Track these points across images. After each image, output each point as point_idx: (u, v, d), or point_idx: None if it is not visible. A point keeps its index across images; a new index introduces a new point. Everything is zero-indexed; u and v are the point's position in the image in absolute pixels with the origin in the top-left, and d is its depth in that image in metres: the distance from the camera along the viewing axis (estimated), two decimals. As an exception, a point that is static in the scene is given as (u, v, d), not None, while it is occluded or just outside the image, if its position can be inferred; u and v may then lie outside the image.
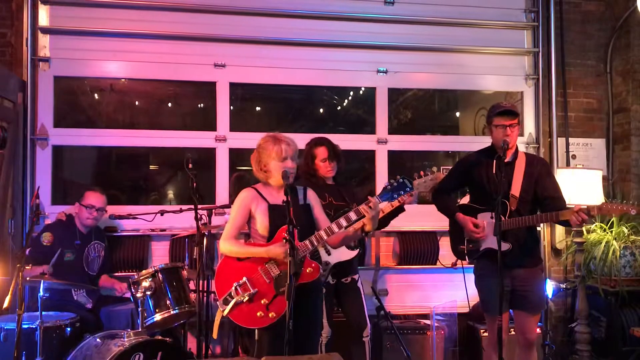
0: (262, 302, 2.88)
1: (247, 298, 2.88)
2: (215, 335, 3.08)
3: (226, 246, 2.97)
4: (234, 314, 2.90)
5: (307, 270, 2.91)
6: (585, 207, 3.23)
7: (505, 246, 3.25)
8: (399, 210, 3.82)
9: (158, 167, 5.81)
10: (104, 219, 4.32)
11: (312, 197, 3.17)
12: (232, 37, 4.79)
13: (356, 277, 3.90)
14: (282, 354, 2.71)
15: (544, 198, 3.41)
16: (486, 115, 3.59)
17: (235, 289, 2.90)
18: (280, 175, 2.92)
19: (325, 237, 2.93)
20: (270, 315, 2.86)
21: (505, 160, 3.37)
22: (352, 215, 2.91)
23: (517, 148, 3.54)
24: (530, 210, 3.40)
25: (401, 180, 2.92)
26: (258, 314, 2.87)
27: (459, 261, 3.77)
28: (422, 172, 3.29)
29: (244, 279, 2.91)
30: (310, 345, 2.99)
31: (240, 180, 4.66)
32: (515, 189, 3.42)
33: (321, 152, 3.81)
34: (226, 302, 2.90)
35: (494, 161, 3.43)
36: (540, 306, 3.54)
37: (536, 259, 3.52)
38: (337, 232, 2.93)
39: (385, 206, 3.76)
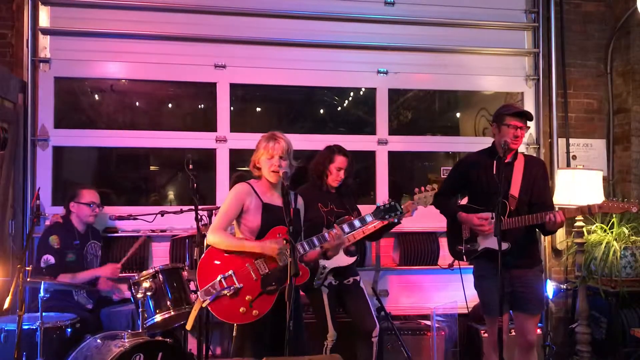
0: (247, 298, 2.86)
1: (231, 292, 2.85)
2: (189, 326, 3.03)
3: (215, 237, 2.94)
4: (215, 306, 2.87)
5: None
6: (586, 205, 3.26)
7: (504, 245, 3.25)
8: (393, 224, 3.84)
9: (158, 168, 5.80)
10: (103, 220, 4.32)
11: (300, 204, 3.19)
12: (233, 38, 4.79)
13: (357, 278, 3.92)
14: (261, 351, 2.70)
15: (535, 203, 3.42)
16: (496, 112, 3.55)
17: (220, 281, 2.87)
18: (272, 174, 2.96)
19: (317, 243, 2.97)
20: (253, 312, 2.85)
21: (505, 161, 3.38)
22: (327, 236, 3.00)
23: (516, 149, 3.54)
24: (529, 211, 3.40)
25: (393, 203, 3.12)
26: (240, 309, 2.85)
27: (456, 262, 3.77)
28: (422, 188, 3.33)
29: (231, 272, 2.88)
30: (295, 345, 2.96)
31: (240, 180, 4.65)
32: (515, 189, 3.42)
33: (341, 161, 3.85)
34: (208, 293, 2.86)
35: (494, 162, 3.43)
36: (539, 307, 3.54)
37: (535, 259, 3.52)
38: (317, 244, 2.99)
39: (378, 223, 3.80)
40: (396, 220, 3.29)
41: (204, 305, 2.89)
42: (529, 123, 3.48)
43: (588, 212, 3.32)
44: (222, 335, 4.52)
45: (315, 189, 3.80)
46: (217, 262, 2.92)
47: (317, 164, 3.88)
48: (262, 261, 2.92)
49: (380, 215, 3.10)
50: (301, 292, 3.44)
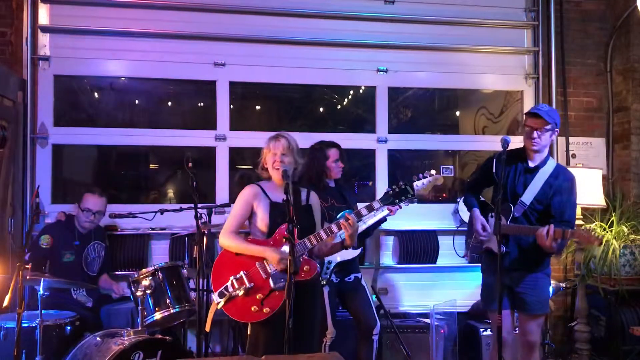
0: (257, 297, 2.89)
1: (242, 292, 2.89)
2: (208, 328, 3.12)
3: (225, 240, 3.02)
4: (228, 307, 2.92)
5: (305, 268, 2.93)
6: (560, 230, 3.14)
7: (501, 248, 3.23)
8: (381, 221, 3.86)
9: (158, 166, 5.81)
10: (104, 218, 4.32)
11: (315, 201, 3.21)
12: (232, 36, 4.78)
13: (359, 275, 3.93)
14: (275, 349, 2.72)
15: (553, 216, 3.31)
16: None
17: (232, 282, 2.92)
18: (276, 172, 3.00)
19: (324, 237, 2.95)
20: (264, 310, 2.87)
21: (532, 165, 3.36)
22: (335, 228, 2.95)
23: (548, 155, 3.44)
24: (541, 221, 3.30)
25: (403, 186, 2.96)
26: (252, 308, 2.88)
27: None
28: (420, 175, 3.31)
29: (241, 272, 2.93)
30: (309, 343, 2.99)
31: (244, 180, 4.68)
32: (528, 196, 3.34)
33: (334, 153, 3.89)
34: (221, 295, 2.92)
35: (517, 163, 3.39)
36: (539, 309, 3.44)
37: (541, 264, 3.42)
38: (325, 238, 2.97)
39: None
40: (408, 203, 3.15)
41: (218, 307, 2.95)
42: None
43: (562, 236, 3.14)
44: (222, 333, 4.53)
45: (313, 186, 3.80)
46: (229, 264, 2.98)
47: (313, 166, 3.86)
48: None
49: (390, 201, 2.97)
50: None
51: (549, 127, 3.31)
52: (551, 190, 3.34)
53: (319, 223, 3.19)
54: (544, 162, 3.39)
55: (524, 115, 3.45)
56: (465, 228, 3.84)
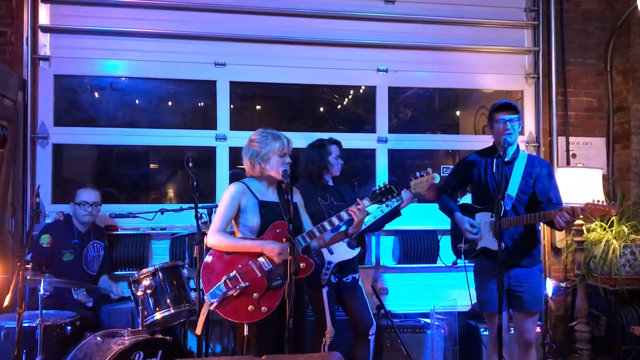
0: (254, 296, 2.86)
1: (237, 292, 2.85)
2: (199, 331, 3.06)
3: (214, 240, 2.94)
4: (223, 308, 2.87)
5: (301, 265, 2.91)
6: (570, 207, 3.18)
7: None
8: (395, 214, 3.86)
9: (158, 166, 5.80)
10: (104, 218, 4.32)
11: (298, 196, 3.21)
12: (233, 36, 4.78)
13: (357, 275, 3.93)
14: (268, 347, 2.72)
15: (540, 202, 3.39)
16: (487, 114, 3.59)
17: (225, 282, 2.87)
18: (278, 170, 2.99)
19: (318, 234, 2.99)
20: (262, 309, 2.85)
21: (507, 159, 3.37)
22: (344, 215, 3.00)
23: (518, 147, 3.53)
24: (528, 211, 3.38)
25: (388, 186, 3.06)
26: (249, 308, 2.85)
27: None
28: (417, 173, 3.34)
29: (234, 272, 2.89)
30: (302, 340, 2.98)
31: (236, 179, 4.67)
32: (512, 188, 3.40)
33: (336, 149, 3.92)
34: (214, 296, 2.86)
35: (493, 160, 3.43)
36: (536, 306, 3.47)
37: (534, 258, 3.47)
38: (329, 229, 3.01)
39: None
40: (395, 202, 3.22)
41: (211, 308, 2.90)
42: (526, 119, 3.47)
43: (571, 214, 3.15)
44: (222, 332, 4.53)
45: (312, 184, 3.83)
46: (220, 264, 2.92)
47: (315, 162, 3.87)
48: (265, 257, 2.92)
49: (378, 199, 3.07)
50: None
51: (518, 116, 3.43)
52: (532, 179, 3.43)
53: (306, 216, 3.21)
54: (517, 154, 3.48)
55: (491, 113, 3.48)
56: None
